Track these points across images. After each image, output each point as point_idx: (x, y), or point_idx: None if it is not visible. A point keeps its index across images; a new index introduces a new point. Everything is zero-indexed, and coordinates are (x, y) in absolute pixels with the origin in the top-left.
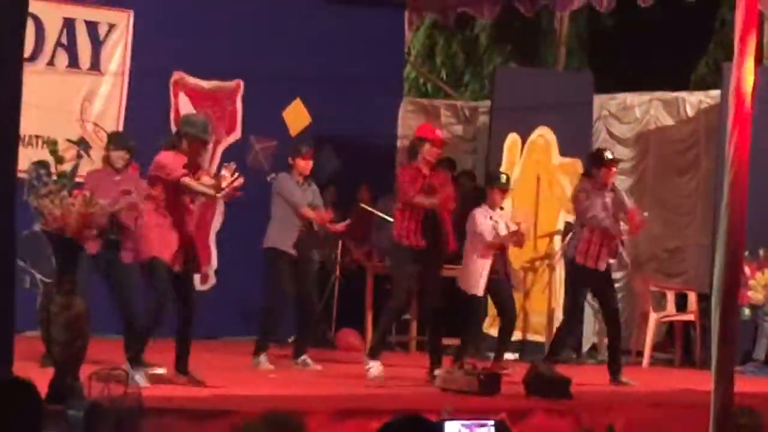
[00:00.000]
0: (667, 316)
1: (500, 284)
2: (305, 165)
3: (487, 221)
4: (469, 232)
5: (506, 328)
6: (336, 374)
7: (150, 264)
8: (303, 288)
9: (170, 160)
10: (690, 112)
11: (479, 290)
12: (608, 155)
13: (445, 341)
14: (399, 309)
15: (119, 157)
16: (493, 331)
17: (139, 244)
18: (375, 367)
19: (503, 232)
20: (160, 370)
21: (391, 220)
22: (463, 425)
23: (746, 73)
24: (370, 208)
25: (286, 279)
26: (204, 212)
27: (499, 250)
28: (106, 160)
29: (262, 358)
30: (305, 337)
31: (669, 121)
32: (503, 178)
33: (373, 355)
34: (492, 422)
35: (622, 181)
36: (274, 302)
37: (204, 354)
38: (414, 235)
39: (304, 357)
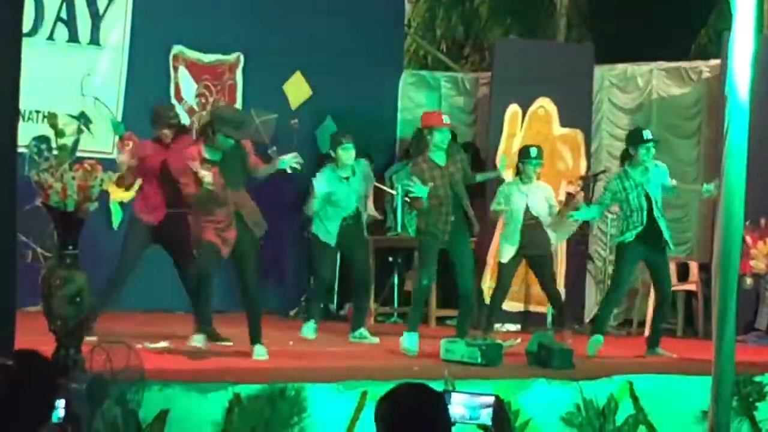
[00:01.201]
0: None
1: (542, 260)
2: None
3: (520, 194)
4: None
5: (553, 304)
6: (338, 345)
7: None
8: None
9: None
10: (692, 81)
11: (504, 257)
12: (647, 134)
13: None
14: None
15: (165, 135)
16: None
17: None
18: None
19: (539, 204)
20: (163, 344)
21: (393, 192)
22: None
23: (745, 42)
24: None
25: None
26: None
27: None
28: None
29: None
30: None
31: (671, 91)
32: (533, 152)
33: (411, 328)
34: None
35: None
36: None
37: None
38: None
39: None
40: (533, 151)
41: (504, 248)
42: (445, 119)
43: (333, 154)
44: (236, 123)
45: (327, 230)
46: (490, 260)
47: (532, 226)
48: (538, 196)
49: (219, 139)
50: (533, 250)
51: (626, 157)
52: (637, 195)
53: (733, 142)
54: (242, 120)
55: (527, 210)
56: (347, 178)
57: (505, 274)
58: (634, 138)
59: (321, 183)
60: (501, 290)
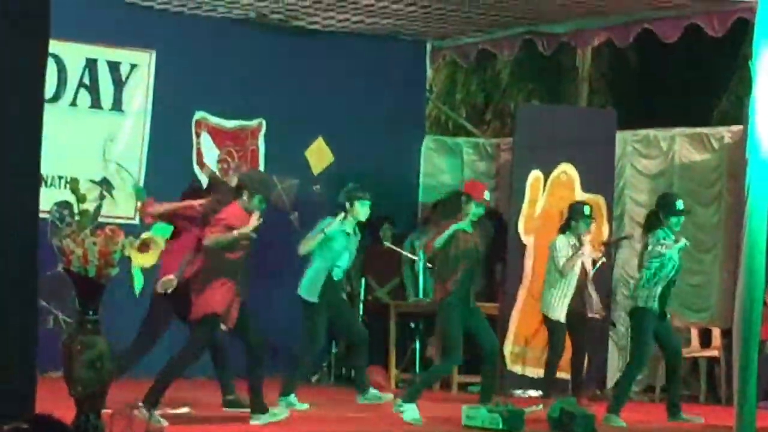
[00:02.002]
0: (692, 351)
1: (584, 321)
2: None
3: (567, 247)
4: (550, 258)
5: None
6: (362, 412)
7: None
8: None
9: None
10: (714, 147)
11: (561, 316)
12: (680, 204)
13: (468, 378)
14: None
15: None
16: (517, 368)
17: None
18: (411, 410)
19: (587, 262)
20: (185, 409)
21: (415, 258)
22: None
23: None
24: (394, 247)
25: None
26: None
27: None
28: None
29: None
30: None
31: (693, 156)
32: (587, 209)
33: (411, 398)
34: None
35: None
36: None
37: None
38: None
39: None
40: (587, 209)
41: (558, 307)
42: (486, 196)
43: (348, 206)
44: (269, 186)
45: (314, 290)
46: (513, 325)
47: (582, 286)
48: (588, 256)
49: (255, 201)
50: (581, 310)
51: (654, 224)
52: (672, 264)
53: (754, 204)
54: (270, 183)
55: (582, 268)
56: (348, 235)
57: (561, 334)
58: (668, 206)
59: (330, 226)
60: (557, 353)
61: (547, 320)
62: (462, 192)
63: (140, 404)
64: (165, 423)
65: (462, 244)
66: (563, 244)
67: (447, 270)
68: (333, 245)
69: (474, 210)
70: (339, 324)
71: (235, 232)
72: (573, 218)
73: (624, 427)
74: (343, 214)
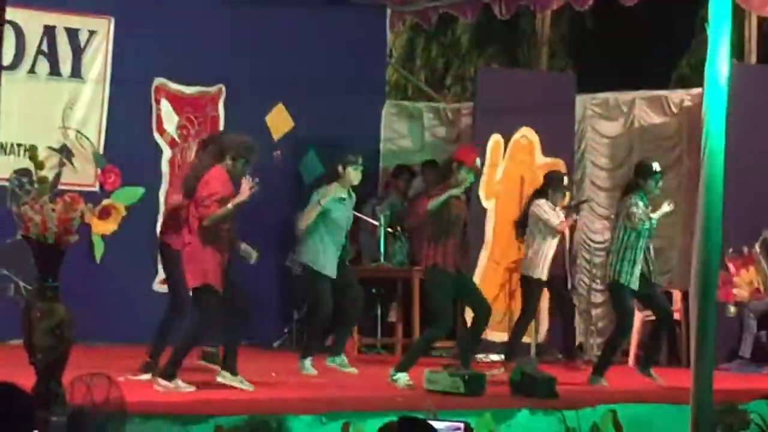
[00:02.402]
0: (652, 314)
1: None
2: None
3: (552, 210)
4: (534, 220)
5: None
6: (321, 377)
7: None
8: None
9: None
10: (674, 110)
11: (543, 274)
12: (656, 165)
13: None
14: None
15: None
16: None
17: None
18: (403, 379)
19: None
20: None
21: (376, 223)
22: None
23: (720, 70)
24: (355, 212)
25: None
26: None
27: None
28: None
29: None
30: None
31: (653, 119)
32: (565, 180)
33: (404, 368)
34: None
35: (606, 180)
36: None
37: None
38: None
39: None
40: (566, 179)
41: (541, 267)
42: (478, 162)
43: (341, 172)
44: (253, 148)
45: (324, 261)
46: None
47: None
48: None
49: (240, 164)
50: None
51: (632, 188)
52: (648, 228)
53: (711, 169)
54: (255, 146)
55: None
56: (344, 200)
57: (538, 295)
58: (644, 170)
59: (327, 198)
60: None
61: (526, 281)
62: (454, 158)
63: (158, 377)
64: (191, 388)
65: (454, 209)
66: (549, 206)
67: (438, 235)
68: (332, 214)
69: (466, 176)
70: (338, 285)
71: (230, 205)
72: (550, 186)
73: (606, 386)
74: (335, 183)
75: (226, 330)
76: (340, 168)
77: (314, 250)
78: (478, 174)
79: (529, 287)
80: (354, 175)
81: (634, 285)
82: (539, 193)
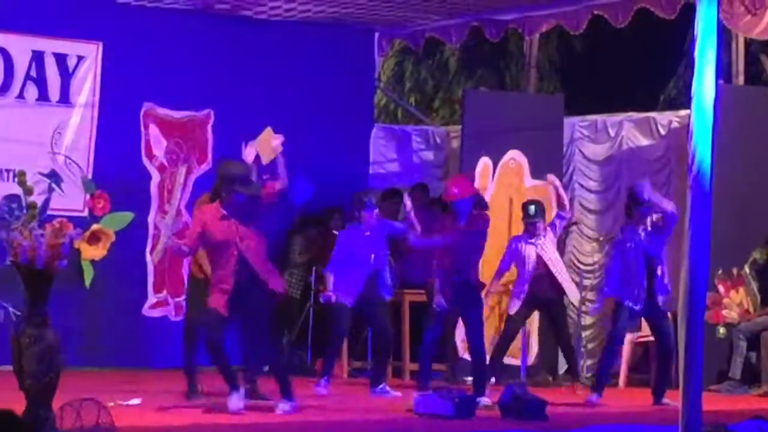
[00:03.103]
0: (643, 336)
1: (553, 305)
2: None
3: (527, 246)
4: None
5: (564, 351)
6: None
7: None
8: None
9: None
10: (661, 132)
11: (512, 310)
12: (646, 195)
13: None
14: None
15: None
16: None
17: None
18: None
19: (547, 251)
20: (135, 401)
21: None
22: None
23: (707, 91)
24: None
25: None
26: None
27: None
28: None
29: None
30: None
31: (640, 141)
32: (531, 210)
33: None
34: None
35: (595, 202)
36: None
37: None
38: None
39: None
40: (531, 209)
41: (514, 301)
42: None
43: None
44: (247, 179)
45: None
46: None
47: (541, 276)
48: (549, 245)
49: (233, 197)
50: (547, 296)
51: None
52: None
53: (698, 190)
54: (250, 176)
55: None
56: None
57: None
58: (632, 198)
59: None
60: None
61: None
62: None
63: None
64: None
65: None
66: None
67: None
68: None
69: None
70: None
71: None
72: (523, 219)
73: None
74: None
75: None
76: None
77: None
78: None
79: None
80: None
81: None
82: None
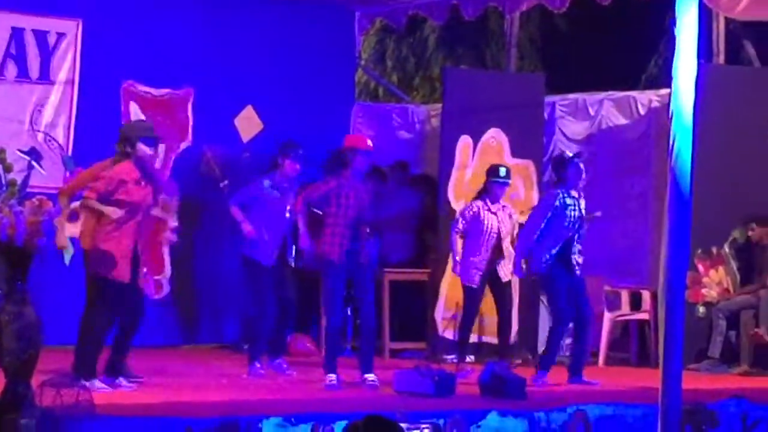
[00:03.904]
0: (622, 315)
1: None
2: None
3: (488, 214)
4: (468, 224)
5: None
6: (289, 379)
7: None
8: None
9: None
10: (641, 111)
11: (474, 282)
12: (567, 155)
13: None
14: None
15: None
16: (449, 333)
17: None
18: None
19: (506, 225)
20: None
21: None
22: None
23: (688, 70)
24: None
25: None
26: (156, 220)
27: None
28: None
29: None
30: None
31: (621, 121)
32: (503, 171)
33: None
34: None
35: None
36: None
37: (159, 361)
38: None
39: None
40: (502, 171)
41: (472, 272)
42: (369, 143)
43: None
44: (149, 127)
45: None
46: (444, 291)
47: (498, 248)
48: (505, 216)
49: (141, 147)
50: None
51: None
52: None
53: (679, 169)
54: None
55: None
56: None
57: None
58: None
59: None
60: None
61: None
62: (346, 146)
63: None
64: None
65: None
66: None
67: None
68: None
69: (360, 160)
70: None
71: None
72: (488, 180)
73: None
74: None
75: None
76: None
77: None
78: (372, 155)
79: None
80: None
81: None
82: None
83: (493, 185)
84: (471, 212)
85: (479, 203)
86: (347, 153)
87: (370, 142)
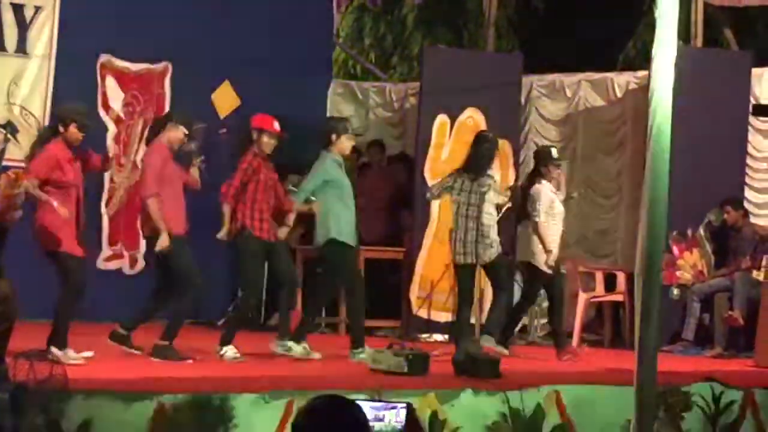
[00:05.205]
0: (596, 296)
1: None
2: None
3: (552, 195)
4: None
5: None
6: (262, 356)
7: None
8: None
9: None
10: (618, 93)
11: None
12: (555, 153)
13: (374, 323)
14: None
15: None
16: (423, 312)
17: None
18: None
19: (558, 207)
20: (88, 354)
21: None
22: (372, 407)
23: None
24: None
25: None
26: (133, 196)
27: None
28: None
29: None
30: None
31: (598, 102)
32: (554, 152)
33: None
34: (402, 405)
35: None
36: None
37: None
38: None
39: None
40: (554, 152)
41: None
42: (277, 126)
43: (334, 139)
44: (83, 112)
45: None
46: (419, 270)
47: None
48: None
49: (76, 132)
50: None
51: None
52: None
53: (657, 151)
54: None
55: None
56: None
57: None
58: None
59: (325, 170)
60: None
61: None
62: (253, 126)
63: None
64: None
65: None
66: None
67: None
68: (337, 186)
69: (269, 141)
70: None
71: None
72: (543, 164)
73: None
74: (330, 152)
75: None
76: (333, 136)
77: (340, 223)
78: (280, 137)
79: (535, 277)
80: (349, 146)
81: None
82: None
83: (553, 169)
84: (548, 198)
85: (546, 187)
86: (254, 132)
87: (277, 125)
